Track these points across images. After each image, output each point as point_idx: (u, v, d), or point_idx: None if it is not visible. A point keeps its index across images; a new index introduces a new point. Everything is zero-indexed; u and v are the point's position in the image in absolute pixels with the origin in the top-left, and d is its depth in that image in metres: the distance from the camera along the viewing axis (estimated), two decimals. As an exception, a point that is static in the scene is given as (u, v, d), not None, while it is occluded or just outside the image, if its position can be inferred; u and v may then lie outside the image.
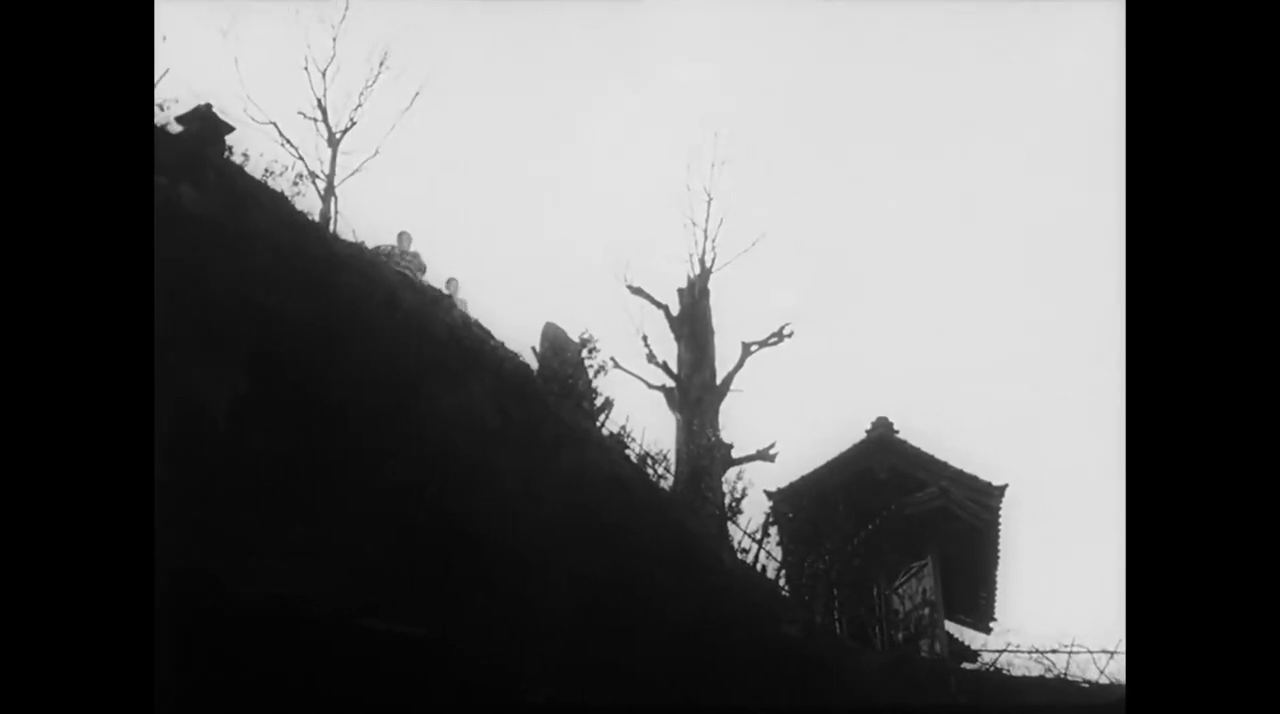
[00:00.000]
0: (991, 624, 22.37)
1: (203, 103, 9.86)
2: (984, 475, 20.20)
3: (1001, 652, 20.12)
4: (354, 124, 19.61)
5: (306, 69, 19.93)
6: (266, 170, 11.40)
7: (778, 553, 18.10)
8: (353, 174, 19.42)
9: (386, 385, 8.78)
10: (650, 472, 15.04)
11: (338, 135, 19.33)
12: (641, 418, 23.68)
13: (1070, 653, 19.16)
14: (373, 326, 9.01)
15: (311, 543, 7.64)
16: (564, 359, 15.39)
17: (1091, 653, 18.81)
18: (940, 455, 20.47)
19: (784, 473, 21.30)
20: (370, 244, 14.99)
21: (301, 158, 18.70)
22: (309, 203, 14.66)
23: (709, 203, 23.72)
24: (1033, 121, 53.79)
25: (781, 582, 16.97)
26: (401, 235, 15.59)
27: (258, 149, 11.64)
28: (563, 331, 16.02)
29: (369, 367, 8.65)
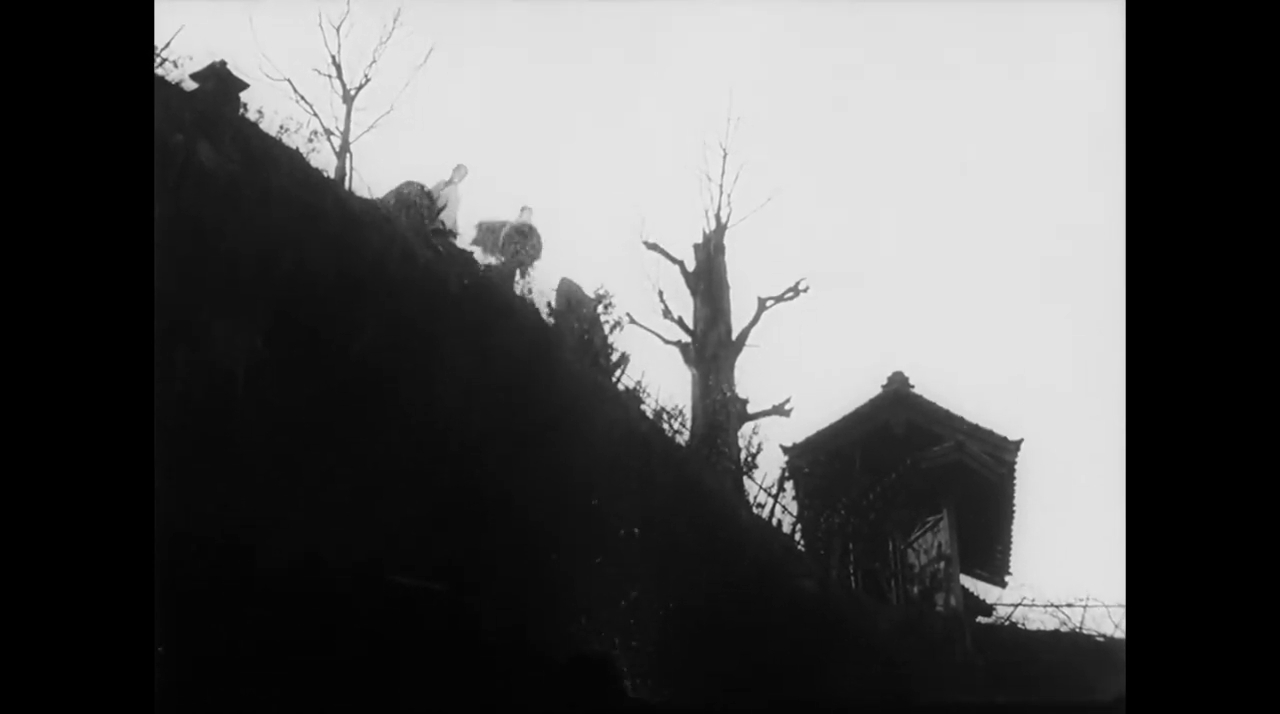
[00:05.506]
0: (1007, 578, 22.44)
1: (217, 60, 9.82)
2: (1000, 430, 20.21)
3: (1017, 605, 20.25)
4: (368, 81, 19.50)
5: (320, 25, 19.81)
6: (281, 127, 11.33)
7: (794, 508, 18.17)
8: (367, 131, 19.35)
9: (405, 344, 8.81)
10: (666, 427, 15.07)
11: (352, 92, 19.23)
12: (657, 374, 23.67)
13: (1085, 607, 19.27)
14: (391, 284, 9.02)
15: (331, 500, 7.71)
16: (580, 315, 15.36)
17: (1106, 607, 18.91)
18: (956, 410, 20.48)
19: (800, 428, 21.34)
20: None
21: (316, 115, 18.60)
22: (324, 160, 14.62)
23: (724, 158, 23.56)
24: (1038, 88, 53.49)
25: (797, 536, 17.04)
26: (458, 168, 15.45)
27: (272, 106, 11.58)
28: (578, 287, 15.95)
29: (387, 325, 8.67)
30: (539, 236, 15.74)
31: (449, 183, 15.38)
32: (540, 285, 15.02)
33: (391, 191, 14.38)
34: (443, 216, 14.84)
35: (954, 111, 55.01)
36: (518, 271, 15.14)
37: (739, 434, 19.09)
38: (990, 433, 20.08)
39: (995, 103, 54.25)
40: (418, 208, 13.90)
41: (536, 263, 15.54)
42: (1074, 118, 52.65)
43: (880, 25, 55.14)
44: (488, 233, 15.59)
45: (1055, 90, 51.71)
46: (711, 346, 20.92)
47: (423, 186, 14.78)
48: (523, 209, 16.04)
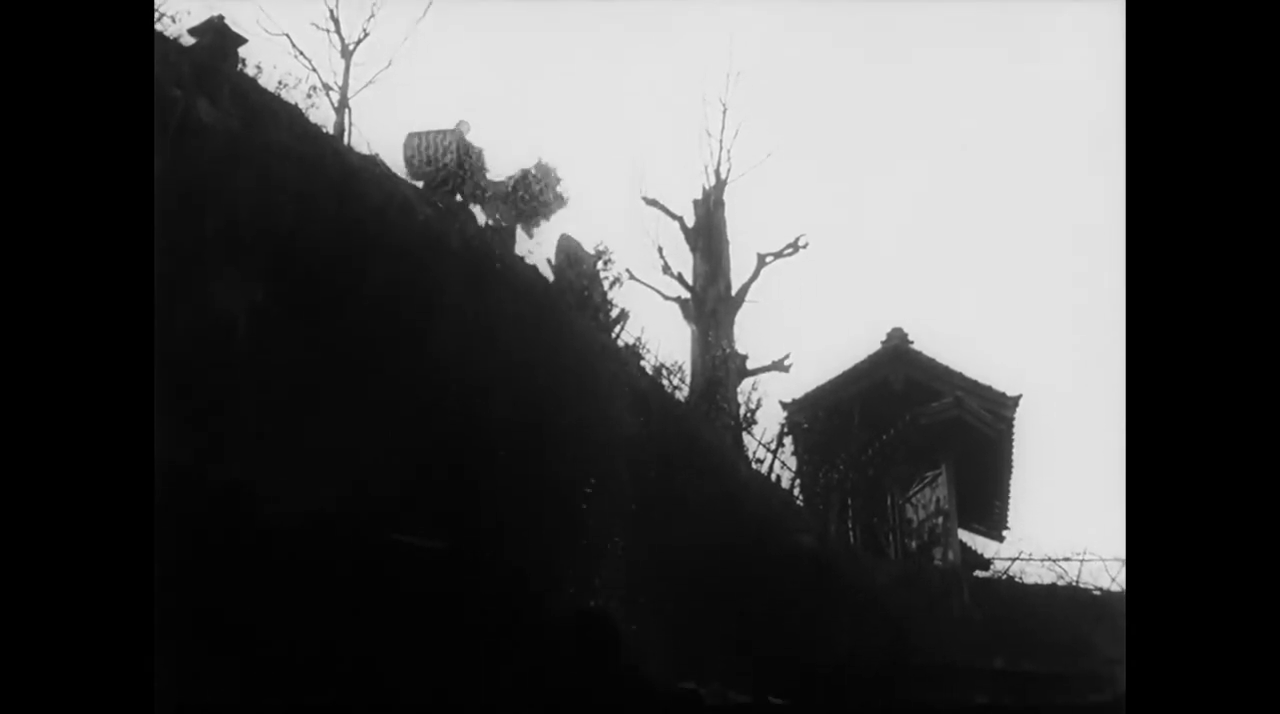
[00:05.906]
0: (1005, 532, 22.60)
1: (215, 15, 9.75)
2: (999, 386, 20.26)
3: (1014, 559, 20.39)
4: (367, 35, 19.37)
5: (318, -23, 19.63)
6: (280, 83, 11.28)
7: (793, 463, 18.26)
8: (366, 86, 19.26)
9: (404, 298, 8.81)
10: (666, 383, 15.11)
11: (350, 47, 19.11)
12: (657, 329, 23.69)
13: (1082, 561, 19.41)
14: (390, 239, 9.01)
15: (329, 455, 7.74)
16: (579, 271, 15.32)
17: (1103, 560, 19.05)
18: (955, 366, 20.51)
19: (799, 384, 21.42)
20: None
21: (315, 70, 18.50)
22: (323, 115, 14.52)
23: (724, 114, 23.48)
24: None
25: (796, 491, 17.12)
26: (460, 123, 15.18)
27: (271, 61, 11.52)
28: (578, 243, 15.91)
29: (387, 280, 8.67)
30: (552, 183, 15.41)
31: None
32: (543, 239, 14.99)
33: (417, 134, 14.21)
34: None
35: (953, 111, 55.24)
36: (530, 223, 15.02)
37: (738, 390, 19.15)
38: (989, 389, 20.13)
39: (995, 102, 54.41)
40: (456, 160, 13.71)
41: (554, 213, 15.33)
42: (1074, 118, 52.82)
43: (880, 25, 55.19)
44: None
45: (1055, 90, 51.74)
46: (711, 302, 20.94)
47: (460, 135, 14.49)
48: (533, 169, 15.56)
